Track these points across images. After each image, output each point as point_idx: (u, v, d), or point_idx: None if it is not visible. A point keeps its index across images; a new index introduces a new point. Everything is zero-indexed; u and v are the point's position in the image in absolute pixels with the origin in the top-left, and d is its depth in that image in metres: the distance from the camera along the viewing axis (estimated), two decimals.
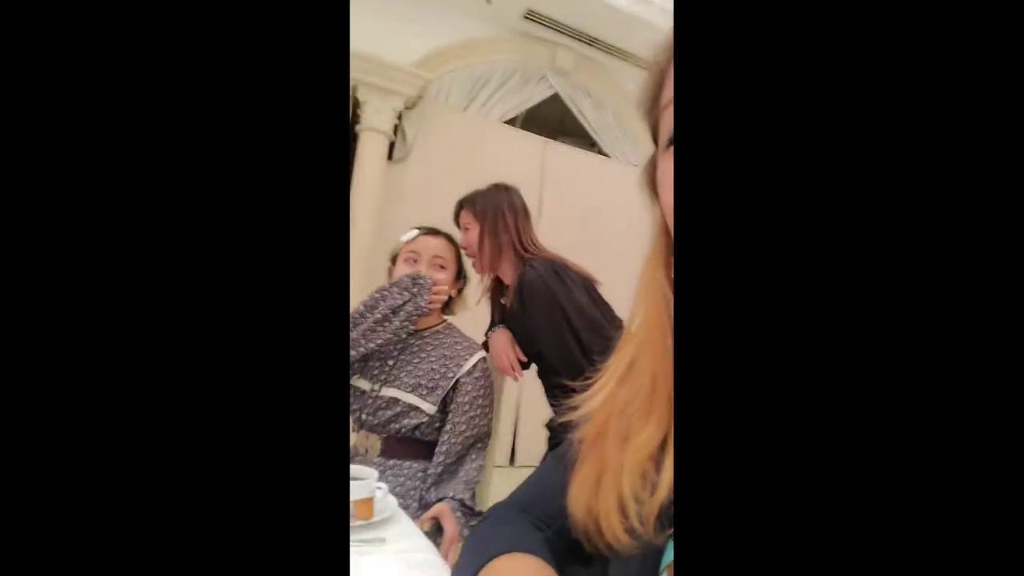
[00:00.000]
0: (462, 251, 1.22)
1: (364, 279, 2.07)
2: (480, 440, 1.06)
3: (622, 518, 0.33)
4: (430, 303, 1.08)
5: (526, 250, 1.19)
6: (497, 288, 1.29)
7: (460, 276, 1.19)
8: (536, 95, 2.67)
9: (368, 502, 0.72)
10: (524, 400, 2.47)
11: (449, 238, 1.18)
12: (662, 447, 0.34)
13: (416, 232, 1.16)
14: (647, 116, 0.37)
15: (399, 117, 2.33)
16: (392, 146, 2.37)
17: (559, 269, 1.12)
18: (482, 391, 1.08)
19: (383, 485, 0.77)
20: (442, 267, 1.12)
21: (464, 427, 1.04)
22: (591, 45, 2.63)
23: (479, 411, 1.06)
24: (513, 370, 1.19)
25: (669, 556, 0.33)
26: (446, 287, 1.11)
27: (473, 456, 1.05)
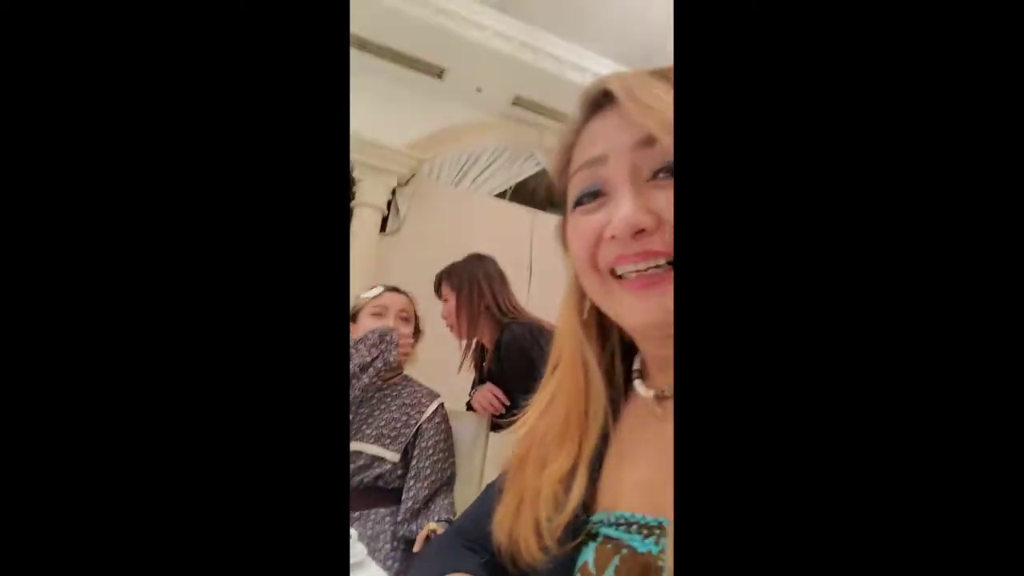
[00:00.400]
0: (442, 319, 1.30)
1: None
2: (446, 483, 1.07)
3: (537, 538, 0.37)
4: (400, 356, 1.13)
5: (504, 313, 1.26)
6: (479, 351, 1.34)
7: (417, 330, 1.26)
8: (524, 171, 2.81)
9: None
10: (490, 454, 2.36)
11: (409, 296, 1.26)
12: (572, 471, 0.39)
13: (381, 289, 1.23)
14: (558, 182, 0.42)
15: (392, 193, 2.43)
16: (385, 220, 2.45)
17: (535, 331, 1.18)
18: (443, 435, 1.10)
19: (352, 532, 0.77)
20: (406, 320, 1.19)
21: (429, 471, 1.05)
22: None
23: (442, 455, 1.08)
24: (493, 406, 1.23)
25: (583, 557, 0.36)
26: (410, 340, 1.17)
27: (442, 497, 1.05)
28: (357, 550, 0.77)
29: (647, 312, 0.35)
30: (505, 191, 2.82)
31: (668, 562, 0.31)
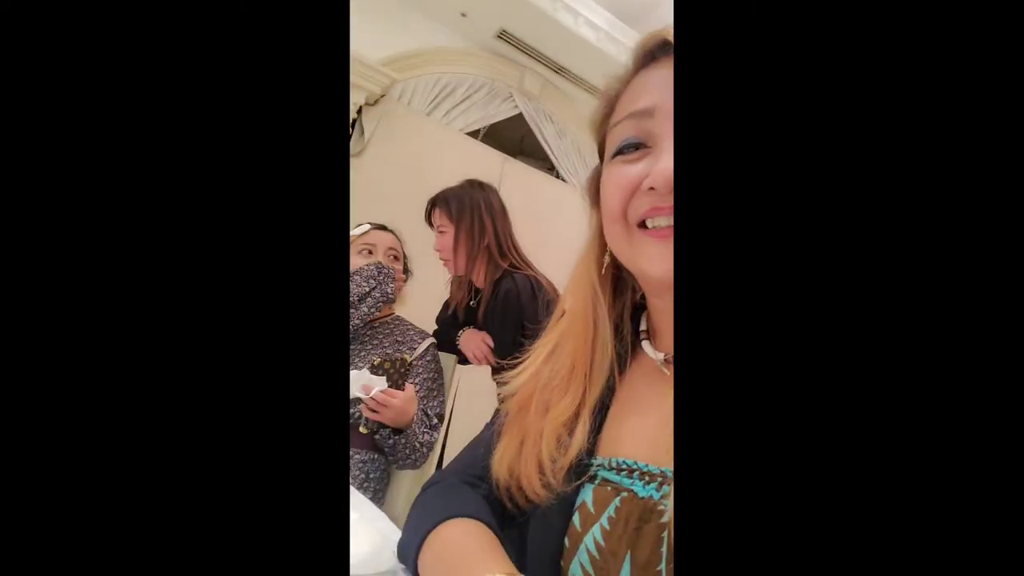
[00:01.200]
0: (436, 252, 1.22)
1: None
2: (439, 418, 1.08)
3: (540, 475, 0.38)
4: (396, 290, 1.11)
5: (503, 255, 1.16)
6: (469, 291, 1.25)
7: (406, 271, 1.22)
8: (500, 113, 2.71)
9: None
10: (456, 411, 2.43)
11: (397, 235, 1.20)
12: (575, 416, 0.40)
13: (368, 226, 1.17)
14: (596, 133, 0.43)
15: (359, 111, 2.29)
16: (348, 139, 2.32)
17: (535, 286, 1.12)
18: (433, 373, 1.10)
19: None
20: (396, 258, 1.15)
21: (427, 411, 1.06)
22: (558, 73, 2.72)
23: (431, 388, 1.09)
24: (486, 359, 1.19)
25: (581, 497, 0.38)
26: (403, 277, 1.14)
27: (435, 429, 1.06)
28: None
29: (671, 266, 0.34)
30: (478, 130, 2.72)
31: (669, 507, 0.32)
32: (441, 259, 1.22)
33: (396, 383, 0.99)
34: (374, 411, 0.95)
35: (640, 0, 2.32)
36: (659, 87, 0.36)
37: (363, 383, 0.96)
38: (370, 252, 1.13)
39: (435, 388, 1.10)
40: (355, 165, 2.33)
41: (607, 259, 0.42)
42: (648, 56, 0.38)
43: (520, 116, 2.76)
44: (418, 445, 1.00)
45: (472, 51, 2.60)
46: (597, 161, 0.44)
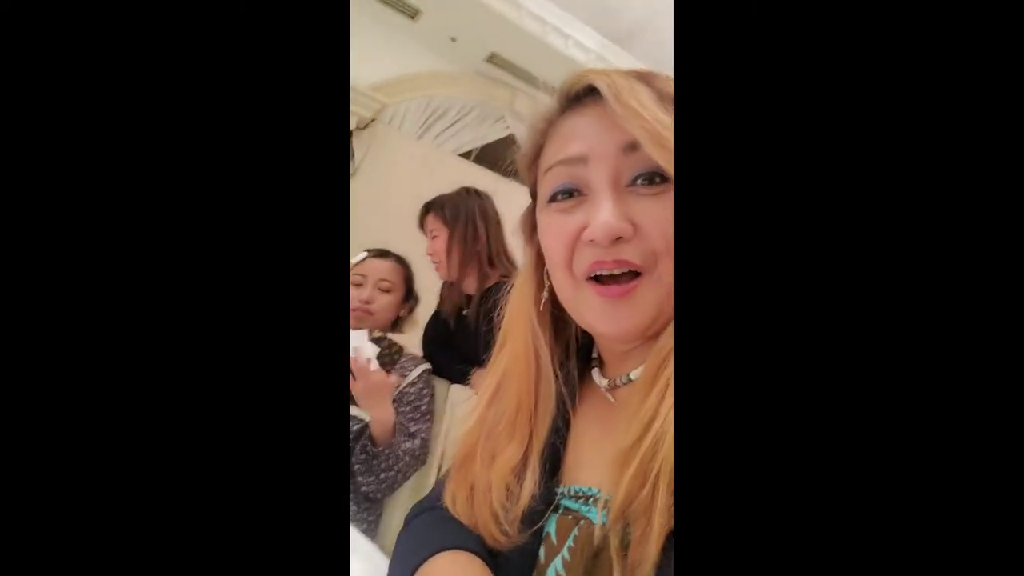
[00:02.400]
0: (428, 257, 1.21)
1: None
2: (419, 441, 1.04)
3: (496, 524, 0.38)
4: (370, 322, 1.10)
5: (494, 262, 1.15)
6: (458, 295, 1.23)
7: (410, 297, 1.18)
8: (492, 134, 2.73)
9: None
10: (452, 435, 2.38)
11: (399, 260, 1.17)
12: (524, 462, 0.39)
13: (364, 255, 1.15)
14: (527, 173, 0.42)
15: (349, 136, 2.29)
16: None
17: None
18: (424, 400, 1.07)
19: None
20: (386, 291, 1.12)
21: (407, 424, 1.03)
22: (549, 94, 2.74)
23: (419, 415, 1.06)
24: None
25: (546, 528, 0.37)
26: (369, 304, 1.10)
27: (408, 443, 1.02)
28: None
29: (615, 321, 0.35)
30: (470, 152, 2.73)
31: (614, 533, 0.31)
32: (433, 263, 1.22)
33: (384, 363, 0.97)
34: (354, 377, 0.95)
35: (629, 22, 2.35)
36: (590, 133, 0.35)
37: (355, 345, 0.95)
38: (360, 285, 1.11)
39: (422, 415, 1.07)
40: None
41: (545, 295, 0.41)
42: (575, 99, 0.37)
43: (512, 137, 2.77)
44: (401, 453, 0.97)
45: (463, 75, 2.62)
46: None
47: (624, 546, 0.31)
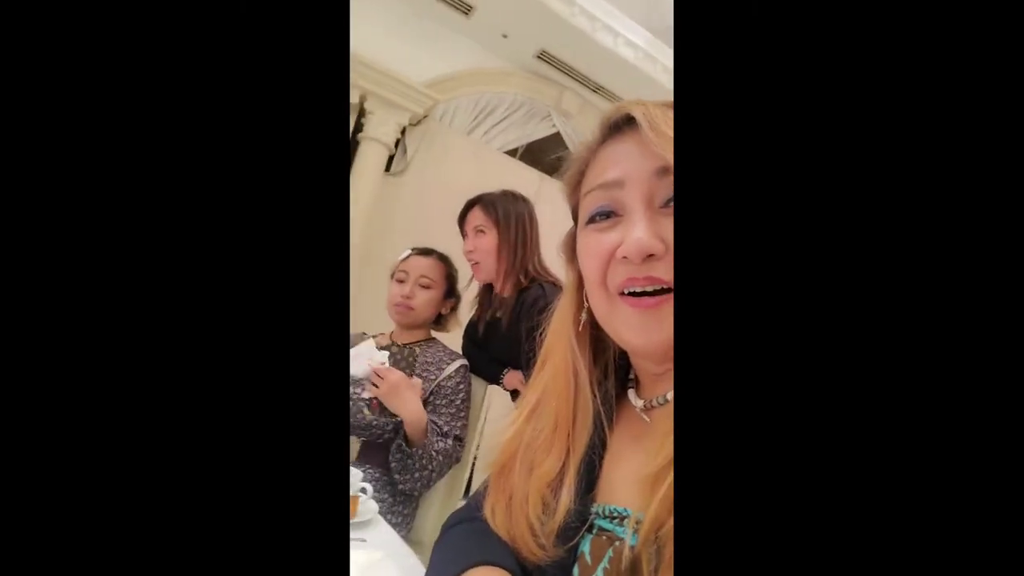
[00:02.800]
0: (467, 255, 1.20)
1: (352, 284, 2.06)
2: (456, 439, 1.07)
3: (533, 537, 0.39)
4: (401, 319, 1.14)
5: (528, 275, 1.13)
6: (488, 296, 1.23)
7: (452, 295, 1.20)
8: (539, 131, 2.75)
9: (353, 500, 0.74)
10: (485, 433, 2.43)
11: (441, 257, 1.19)
12: (560, 477, 0.41)
13: (408, 252, 1.19)
14: (569, 198, 0.44)
15: (402, 132, 2.37)
16: (391, 159, 2.40)
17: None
18: (461, 394, 1.09)
19: (367, 487, 0.78)
20: (427, 287, 1.14)
21: (442, 422, 1.05)
22: (596, 92, 2.74)
23: (455, 410, 1.08)
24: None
25: (581, 548, 0.38)
26: (410, 299, 1.13)
27: (447, 445, 1.05)
28: (370, 506, 0.78)
29: (646, 334, 0.36)
30: (516, 149, 2.76)
31: (647, 552, 0.32)
32: (470, 261, 1.19)
33: (400, 368, 1.00)
34: (375, 385, 0.97)
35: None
36: (627, 159, 0.38)
37: (367, 357, 0.98)
38: (402, 281, 1.14)
39: (458, 410, 1.09)
40: (398, 183, 2.41)
41: (584, 316, 0.43)
42: (614, 128, 0.40)
43: (558, 135, 2.79)
44: (434, 453, 0.99)
45: (512, 71, 2.66)
46: None
47: (654, 569, 0.31)
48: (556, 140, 2.81)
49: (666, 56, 2.45)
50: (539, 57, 2.57)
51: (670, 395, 0.39)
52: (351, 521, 0.72)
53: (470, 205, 1.20)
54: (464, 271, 1.24)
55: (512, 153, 2.75)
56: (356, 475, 0.77)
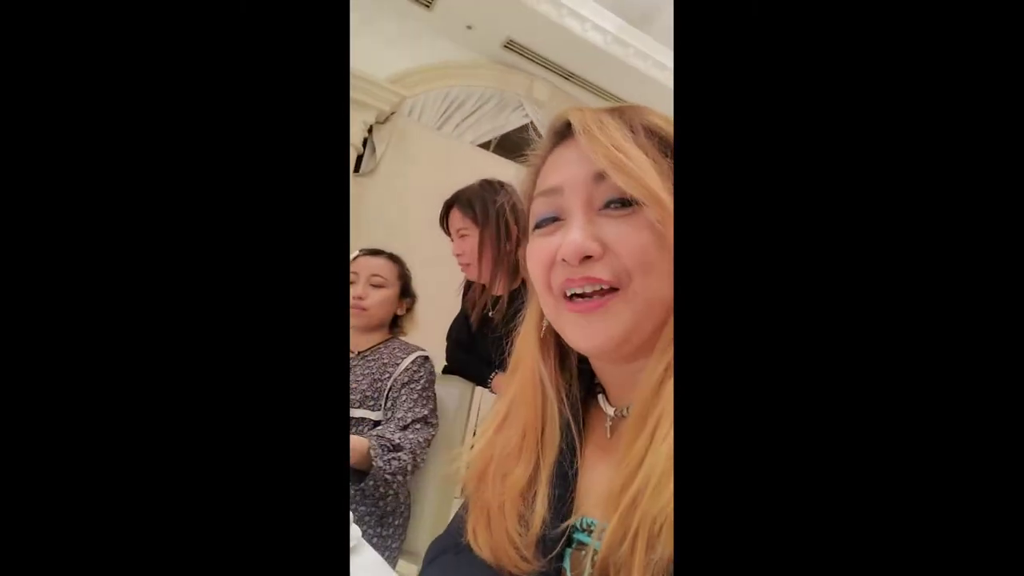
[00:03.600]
0: (456, 258, 1.17)
1: None
2: (419, 421, 1.03)
3: (515, 550, 0.38)
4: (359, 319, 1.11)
5: (517, 263, 1.09)
6: (485, 297, 1.18)
7: (407, 295, 1.17)
8: (511, 122, 2.70)
9: None
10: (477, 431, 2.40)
11: (391, 257, 1.17)
12: (531, 486, 0.40)
13: (356, 253, 1.16)
14: (526, 204, 0.44)
15: (369, 130, 2.30)
16: (360, 159, 2.33)
17: None
18: (419, 383, 1.06)
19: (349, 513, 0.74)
20: (379, 286, 1.12)
21: (402, 413, 1.02)
22: (568, 79, 2.69)
23: (416, 395, 1.05)
24: None
25: (563, 564, 0.37)
26: (362, 300, 1.10)
27: (413, 433, 1.01)
28: (352, 532, 0.74)
29: (591, 337, 0.36)
30: (489, 141, 2.71)
31: (615, 560, 0.31)
32: (460, 264, 1.17)
33: (362, 373, 0.99)
34: None
35: (645, 3, 2.28)
36: (567, 165, 0.38)
37: None
38: (353, 282, 1.11)
39: (420, 395, 1.06)
40: (368, 184, 2.34)
41: (545, 323, 0.43)
42: (559, 134, 0.40)
43: (531, 125, 2.74)
44: (388, 477, 0.94)
45: (480, 63, 2.60)
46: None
47: None
48: (529, 130, 2.77)
49: (637, 40, 2.42)
50: (506, 47, 2.51)
51: (631, 408, 0.37)
52: None
53: (448, 207, 1.18)
54: (423, 270, 1.21)
55: (485, 146, 2.70)
56: None
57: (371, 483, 0.93)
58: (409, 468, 0.98)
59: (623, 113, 0.38)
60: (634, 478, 0.31)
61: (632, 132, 0.36)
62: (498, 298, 1.15)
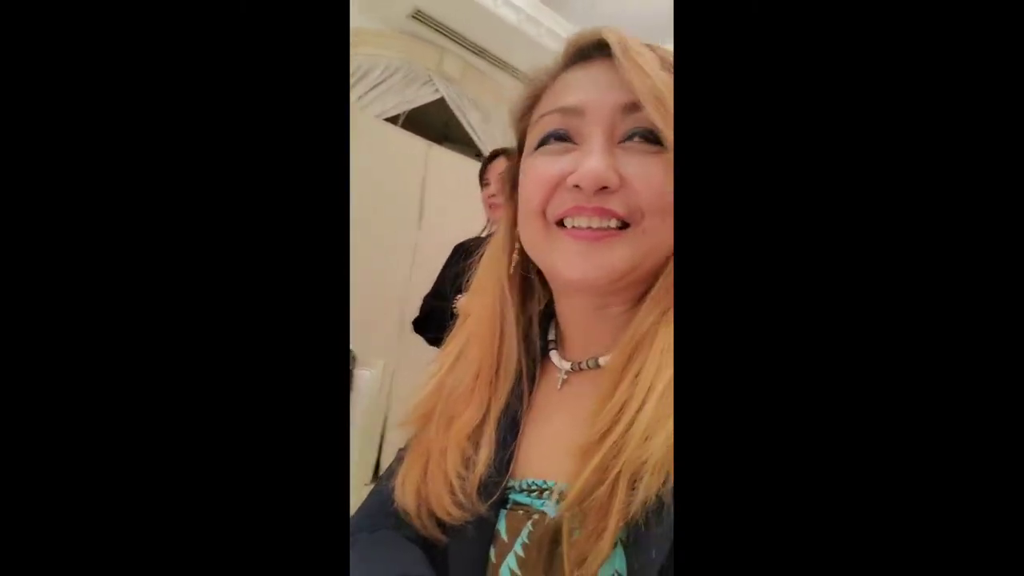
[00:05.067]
0: (488, 202, 1.42)
1: None
2: None
3: (451, 494, 0.36)
4: None
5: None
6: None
7: None
8: (420, 97, 2.59)
9: None
10: (391, 416, 2.33)
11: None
12: (480, 428, 0.38)
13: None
14: (516, 125, 0.41)
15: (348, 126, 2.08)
16: None
17: None
18: None
19: None
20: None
21: None
22: (479, 55, 2.63)
23: None
24: None
25: (496, 527, 0.35)
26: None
27: None
28: None
29: (588, 268, 0.34)
30: (398, 116, 2.58)
31: (565, 524, 0.30)
32: (493, 204, 1.32)
33: None
34: None
35: None
36: (592, 86, 0.35)
37: None
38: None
39: None
40: None
41: (516, 257, 0.40)
42: (580, 54, 0.37)
43: (443, 100, 2.65)
44: None
45: (386, 31, 2.44)
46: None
47: (577, 539, 0.30)
48: (441, 106, 2.67)
49: (550, 20, 2.41)
50: (414, 17, 2.38)
51: (603, 360, 0.36)
52: None
53: (493, 156, 1.39)
54: None
55: (394, 120, 2.57)
56: None
57: None
58: None
59: (654, 48, 0.35)
60: (616, 423, 0.30)
61: (665, 68, 0.33)
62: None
